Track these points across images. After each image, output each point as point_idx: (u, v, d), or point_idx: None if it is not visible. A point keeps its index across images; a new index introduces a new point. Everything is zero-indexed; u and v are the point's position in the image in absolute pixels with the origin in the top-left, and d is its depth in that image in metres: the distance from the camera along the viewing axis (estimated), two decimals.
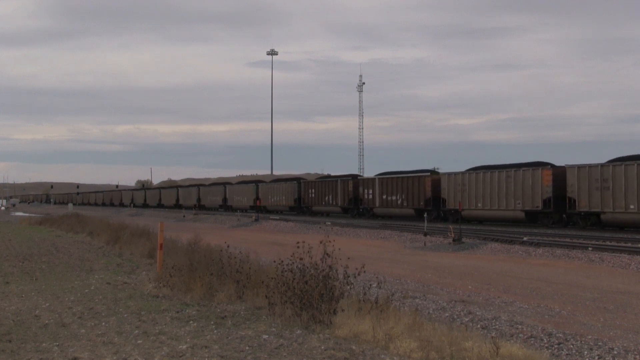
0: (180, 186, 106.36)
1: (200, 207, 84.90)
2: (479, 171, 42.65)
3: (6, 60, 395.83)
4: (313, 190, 62.27)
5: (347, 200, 56.69)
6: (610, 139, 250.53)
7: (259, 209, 67.15)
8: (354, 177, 58.19)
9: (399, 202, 49.53)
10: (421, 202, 46.80)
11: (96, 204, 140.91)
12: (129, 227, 28.98)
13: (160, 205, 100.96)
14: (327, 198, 59.74)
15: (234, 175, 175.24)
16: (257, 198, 71.28)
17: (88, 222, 38.22)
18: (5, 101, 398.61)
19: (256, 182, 78.48)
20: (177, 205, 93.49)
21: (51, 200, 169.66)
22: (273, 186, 71.82)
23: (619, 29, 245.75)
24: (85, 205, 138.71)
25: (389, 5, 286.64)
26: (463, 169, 44.60)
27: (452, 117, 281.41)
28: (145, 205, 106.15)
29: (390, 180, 50.87)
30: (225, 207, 79.86)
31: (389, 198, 50.62)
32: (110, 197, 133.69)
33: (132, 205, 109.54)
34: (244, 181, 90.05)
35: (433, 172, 48.27)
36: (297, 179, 68.64)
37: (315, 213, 62.05)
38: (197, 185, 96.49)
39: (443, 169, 52.68)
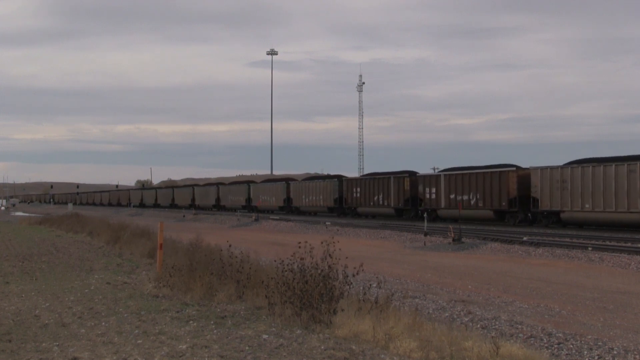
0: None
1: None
2: (587, 164, 35.22)
3: (6, 60, 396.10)
4: (358, 189, 54.52)
5: (401, 200, 49.12)
6: (610, 139, 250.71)
7: (290, 210, 64.16)
8: (410, 173, 49.70)
9: (473, 202, 42.32)
10: (503, 203, 39.96)
11: (94, 204, 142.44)
12: (129, 227, 28.98)
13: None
14: (376, 198, 51.93)
15: (234, 175, 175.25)
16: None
17: (88, 222, 38.22)
18: (6, 101, 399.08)
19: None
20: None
21: (51, 200, 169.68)
22: (308, 184, 64.65)
23: (619, 29, 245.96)
24: (85, 205, 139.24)
25: (390, 5, 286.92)
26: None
27: (452, 117, 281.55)
28: (142, 205, 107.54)
29: (461, 177, 43.53)
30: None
31: (459, 198, 43.06)
32: (108, 197, 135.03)
33: (131, 204, 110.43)
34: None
35: (518, 166, 40.68)
36: (338, 177, 60.58)
37: (360, 215, 54.67)
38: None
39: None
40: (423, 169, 51.99)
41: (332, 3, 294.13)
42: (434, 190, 46.01)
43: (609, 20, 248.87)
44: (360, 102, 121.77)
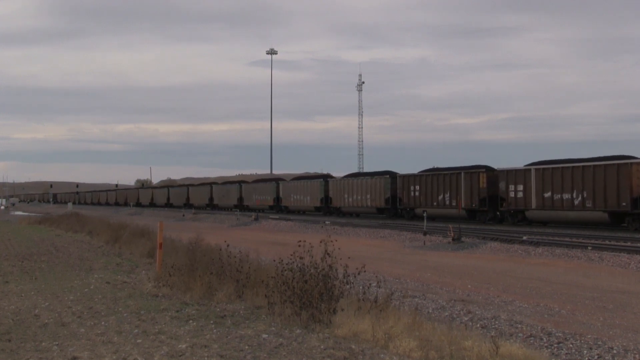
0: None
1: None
2: None
3: (7, 60, 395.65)
4: (417, 187, 47.34)
5: (476, 200, 41.73)
6: (611, 138, 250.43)
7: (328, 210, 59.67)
8: (488, 168, 42.45)
9: (577, 202, 35.41)
10: (623, 203, 32.76)
11: (92, 203, 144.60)
12: (128, 226, 28.99)
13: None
14: (440, 197, 44.89)
15: (234, 175, 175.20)
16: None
17: (87, 221, 38.22)
18: (6, 101, 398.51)
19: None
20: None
21: (51, 199, 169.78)
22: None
23: (619, 29, 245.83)
24: (84, 205, 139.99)
25: (390, 5, 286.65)
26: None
27: (453, 117, 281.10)
28: (138, 205, 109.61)
29: (560, 171, 36.45)
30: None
31: (557, 197, 36.11)
32: (106, 197, 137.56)
33: (131, 204, 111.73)
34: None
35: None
36: (389, 172, 54.22)
37: (419, 217, 43.93)
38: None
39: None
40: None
41: (332, 3, 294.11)
42: (520, 187, 38.61)
43: (610, 19, 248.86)
44: (359, 101, 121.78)
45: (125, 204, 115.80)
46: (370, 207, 53.67)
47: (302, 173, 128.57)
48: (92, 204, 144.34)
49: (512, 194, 39.01)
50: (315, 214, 60.93)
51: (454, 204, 43.55)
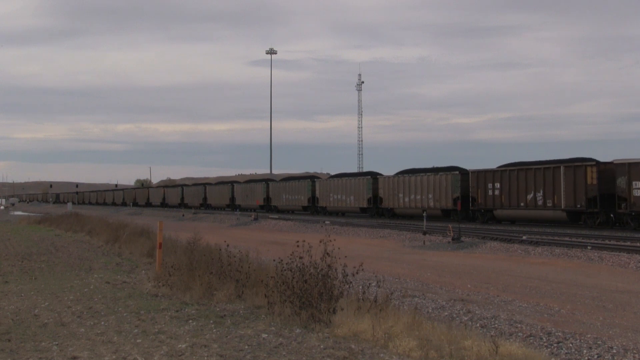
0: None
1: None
2: None
3: (8, 59, 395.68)
4: (496, 185, 39.92)
5: (581, 199, 34.52)
6: (612, 137, 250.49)
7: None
8: (596, 162, 34.75)
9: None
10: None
11: (90, 203, 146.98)
12: (128, 226, 28.99)
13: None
14: (530, 196, 37.67)
15: (234, 174, 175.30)
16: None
17: (87, 221, 38.21)
18: (6, 100, 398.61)
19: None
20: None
21: (51, 199, 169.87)
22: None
23: (620, 27, 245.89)
24: (83, 205, 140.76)
25: (391, 4, 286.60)
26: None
27: (454, 116, 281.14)
28: (135, 204, 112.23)
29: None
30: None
31: None
32: (104, 197, 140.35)
33: (130, 204, 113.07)
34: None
35: None
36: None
37: (500, 220, 40.14)
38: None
39: None
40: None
41: (333, 2, 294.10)
42: None
43: (611, 18, 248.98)
44: (359, 101, 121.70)
45: (123, 204, 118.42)
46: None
47: (302, 173, 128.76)
48: (91, 203, 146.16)
49: (637, 192, 31.60)
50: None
51: (549, 204, 36.50)
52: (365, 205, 53.84)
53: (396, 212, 49.69)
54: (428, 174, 47.43)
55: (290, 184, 66.87)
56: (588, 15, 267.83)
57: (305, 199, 62.38)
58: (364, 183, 54.07)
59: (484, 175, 41.20)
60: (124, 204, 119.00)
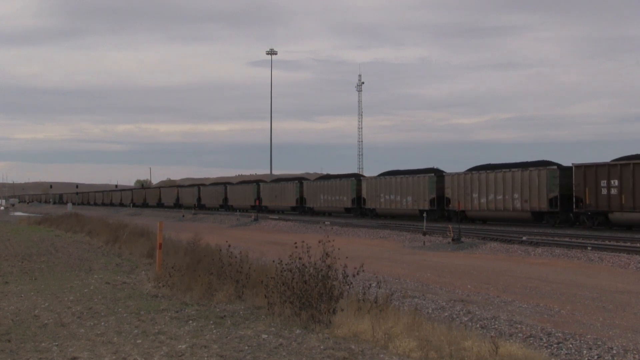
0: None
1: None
2: None
3: (8, 59, 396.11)
4: (613, 182, 32.65)
5: None
6: (613, 138, 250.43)
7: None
8: None
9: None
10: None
11: (89, 204, 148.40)
12: (128, 226, 28.99)
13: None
14: None
15: (234, 174, 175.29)
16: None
17: (87, 221, 38.21)
18: (7, 100, 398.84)
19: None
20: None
21: (50, 199, 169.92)
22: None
23: (621, 28, 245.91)
24: (83, 205, 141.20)
25: (391, 4, 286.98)
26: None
27: (454, 117, 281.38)
28: (133, 205, 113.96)
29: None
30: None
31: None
32: (102, 197, 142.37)
33: (130, 204, 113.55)
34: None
35: None
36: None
37: (617, 225, 33.11)
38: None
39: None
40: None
41: (333, 2, 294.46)
42: None
43: (612, 18, 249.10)
44: (359, 101, 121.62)
45: (121, 204, 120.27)
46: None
47: (302, 173, 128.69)
48: (90, 204, 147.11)
49: None
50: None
51: None
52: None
53: (468, 215, 42.54)
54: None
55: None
56: (588, 15, 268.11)
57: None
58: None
59: (594, 170, 33.81)
60: (122, 204, 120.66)
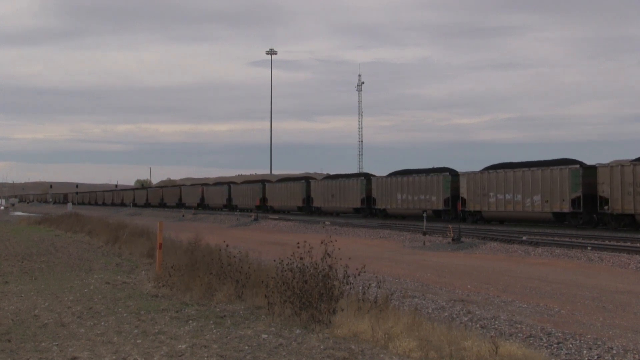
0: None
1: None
2: None
3: (9, 59, 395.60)
4: (630, 182, 30.78)
5: None
6: (614, 138, 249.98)
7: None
8: None
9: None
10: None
11: (89, 204, 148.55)
12: (128, 226, 28.99)
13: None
14: None
15: (234, 174, 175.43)
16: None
17: (87, 221, 38.21)
18: (7, 100, 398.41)
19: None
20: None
21: (50, 200, 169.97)
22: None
23: (622, 28, 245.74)
24: (83, 205, 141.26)
25: (392, 4, 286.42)
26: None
27: (455, 117, 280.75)
28: (134, 204, 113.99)
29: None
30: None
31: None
32: (103, 197, 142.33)
33: (131, 204, 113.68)
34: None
35: None
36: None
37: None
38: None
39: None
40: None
41: (333, 2, 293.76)
42: None
43: (611, 18, 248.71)
44: (359, 101, 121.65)
45: (122, 204, 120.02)
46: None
47: (303, 173, 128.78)
48: (90, 204, 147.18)
49: None
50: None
51: None
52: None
53: (485, 216, 41.11)
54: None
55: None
56: (589, 15, 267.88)
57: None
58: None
59: (620, 169, 31.45)
60: (123, 204, 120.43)
